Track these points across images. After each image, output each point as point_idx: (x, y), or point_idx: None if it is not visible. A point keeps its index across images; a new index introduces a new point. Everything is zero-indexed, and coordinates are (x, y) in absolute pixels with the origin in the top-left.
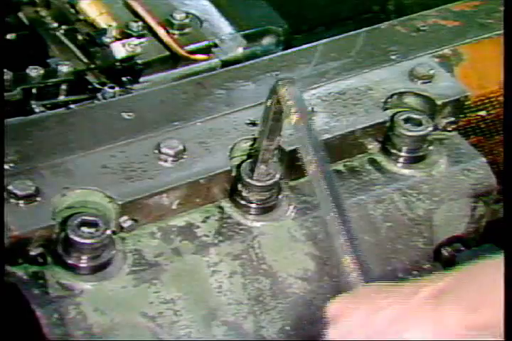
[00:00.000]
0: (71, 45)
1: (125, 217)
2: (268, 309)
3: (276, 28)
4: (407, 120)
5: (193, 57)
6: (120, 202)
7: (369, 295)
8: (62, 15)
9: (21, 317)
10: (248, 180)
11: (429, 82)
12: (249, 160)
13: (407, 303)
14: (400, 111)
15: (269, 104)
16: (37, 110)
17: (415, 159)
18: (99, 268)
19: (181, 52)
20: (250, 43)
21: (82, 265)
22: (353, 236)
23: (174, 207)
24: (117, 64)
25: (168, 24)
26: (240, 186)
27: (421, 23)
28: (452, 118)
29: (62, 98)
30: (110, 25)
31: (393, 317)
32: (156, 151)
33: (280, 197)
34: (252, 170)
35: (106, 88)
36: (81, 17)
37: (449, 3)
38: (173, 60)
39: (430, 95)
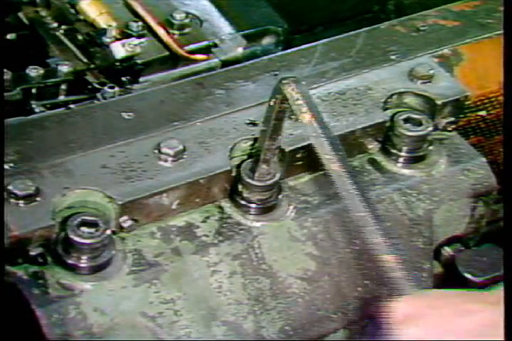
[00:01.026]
0: (71, 45)
1: (125, 217)
2: (268, 309)
3: (276, 28)
4: (407, 120)
5: (192, 57)
6: (120, 202)
7: (451, 299)
8: (62, 15)
9: (21, 317)
10: (248, 180)
11: (429, 82)
12: (249, 160)
13: (498, 310)
14: (399, 111)
15: (272, 103)
16: (37, 110)
17: (415, 159)
18: (99, 268)
19: (181, 52)
20: (250, 43)
21: (82, 265)
22: (387, 231)
23: (174, 207)
24: (117, 64)
25: (168, 24)
26: (240, 186)
27: (421, 23)
28: (452, 118)
29: (62, 98)
30: (110, 25)
31: (486, 322)
32: (156, 151)
33: (280, 197)
34: (253, 170)
35: (106, 88)
36: (81, 17)
37: (449, 3)
38: (173, 60)
39: (430, 95)
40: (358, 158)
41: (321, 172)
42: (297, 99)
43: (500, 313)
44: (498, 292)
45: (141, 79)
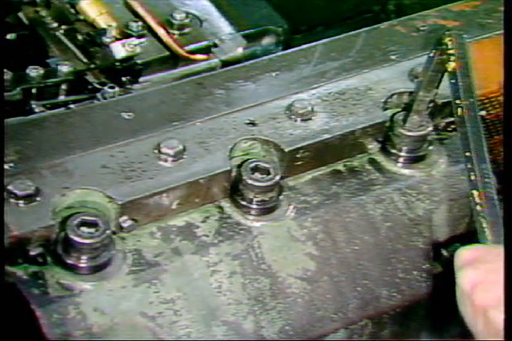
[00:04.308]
0: (71, 45)
1: (125, 217)
2: (268, 309)
3: (276, 28)
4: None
5: (192, 57)
6: (120, 202)
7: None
8: (62, 15)
9: (21, 317)
10: (249, 181)
11: None
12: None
13: None
14: (399, 111)
15: (432, 54)
16: (37, 110)
17: (415, 159)
18: (98, 268)
19: (181, 52)
20: (250, 43)
21: (81, 265)
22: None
23: (174, 207)
24: (117, 64)
25: (168, 24)
26: (240, 186)
27: (421, 23)
28: (452, 119)
29: (62, 98)
30: (110, 25)
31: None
32: (156, 151)
33: (280, 197)
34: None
35: (106, 88)
36: (81, 17)
37: (449, 3)
38: (173, 60)
39: None
40: (358, 158)
41: (321, 172)
42: (451, 50)
43: None
44: None
45: (141, 79)
